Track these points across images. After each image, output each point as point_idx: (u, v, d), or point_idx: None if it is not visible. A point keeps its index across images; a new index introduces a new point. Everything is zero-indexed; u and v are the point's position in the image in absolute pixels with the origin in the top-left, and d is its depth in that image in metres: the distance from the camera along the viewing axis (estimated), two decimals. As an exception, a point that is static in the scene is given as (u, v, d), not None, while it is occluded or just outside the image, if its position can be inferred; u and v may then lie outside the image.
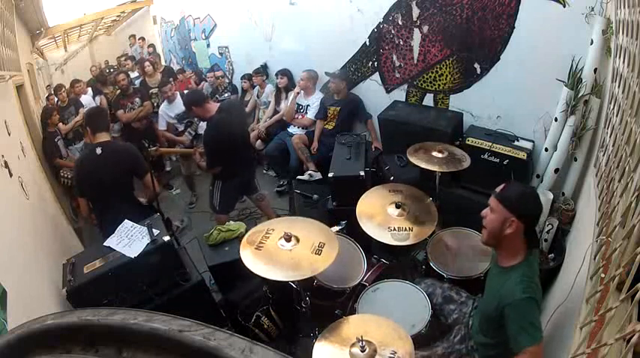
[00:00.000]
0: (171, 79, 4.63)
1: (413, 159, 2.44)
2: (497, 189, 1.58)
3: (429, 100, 3.40)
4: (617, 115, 1.71)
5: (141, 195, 2.90)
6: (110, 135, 2.82)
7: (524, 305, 1.43)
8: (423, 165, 2.38)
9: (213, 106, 2.99)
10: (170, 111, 4.26)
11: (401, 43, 3.38)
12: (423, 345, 1.79)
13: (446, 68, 3.16)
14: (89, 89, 5.44)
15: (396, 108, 3.42)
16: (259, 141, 4.56)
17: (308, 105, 4.11)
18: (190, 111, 3.06)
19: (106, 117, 2.88)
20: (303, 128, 4.14)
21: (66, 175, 3.13)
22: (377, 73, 3.71)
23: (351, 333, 1.58)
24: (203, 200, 4.34)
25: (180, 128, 4.08)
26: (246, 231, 2.69)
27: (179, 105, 4.03)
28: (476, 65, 2.96)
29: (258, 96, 4.84)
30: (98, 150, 2.61)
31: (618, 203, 1.33)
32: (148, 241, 2.15)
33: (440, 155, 2.44)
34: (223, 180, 3.13)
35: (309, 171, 3.72)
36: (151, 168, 2.76)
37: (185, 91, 4.21)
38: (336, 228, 2.32)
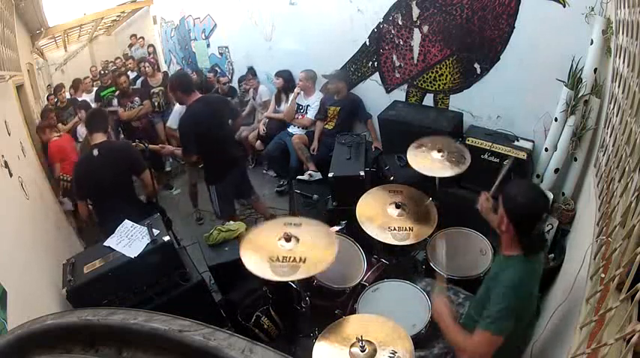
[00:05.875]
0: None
1: (413, 164, 2.40)
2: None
3: (429, 100, 3.40)
4: (617, 115, 1.71)
5: (141, 193, 2.89)
6: (107, 136, 2.78)
7: (509, 293, 1.45)
8: (424, 171, 2.35)
9: (196, 96, 2.98)
10: None
11: (401, 43, 3.37)
12: (422, 345, 1.79)
13: (446, 68, 3.16)
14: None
15: (396, 108, 3.41)
16: (259, 141, 4.56)
17: (308, 106, 4.11)
18: (173, 93, 3.05)
19: (103, 117, 2.85)
20: (303, 128, 4.14)
21: (65, 178, 3.13)
22: (377, 73, 3.70)
23: (351, 333, 1.58)
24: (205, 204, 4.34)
25: None
26: (246, 231, 2.70)
27: None
28: (476, 65, 2.96)
29: (253, 98, 4.85)
30: (95, 152, 2.61)
31: (618, 203, 1.33)
32: (148, 241, 2.15)
33: (440, 156, 2.41)
34: (215, 182, 3.11)
35: (309, 171, 3.72)
36: (149, 166, 2.76)
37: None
38: (336, 228, 2.32)
